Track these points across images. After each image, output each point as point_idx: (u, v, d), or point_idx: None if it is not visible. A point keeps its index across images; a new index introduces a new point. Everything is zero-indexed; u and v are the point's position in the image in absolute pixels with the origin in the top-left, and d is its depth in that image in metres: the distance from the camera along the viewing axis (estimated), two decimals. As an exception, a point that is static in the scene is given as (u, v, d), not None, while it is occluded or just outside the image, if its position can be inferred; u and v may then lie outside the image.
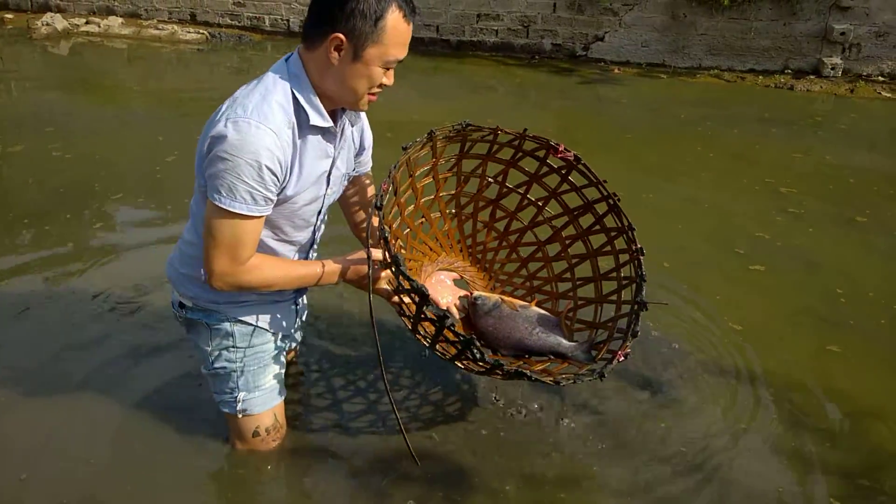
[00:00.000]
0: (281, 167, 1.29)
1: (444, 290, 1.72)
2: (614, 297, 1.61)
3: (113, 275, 2.66)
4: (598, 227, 1.66)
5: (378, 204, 1.36)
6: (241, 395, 1.59)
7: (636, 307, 1.45)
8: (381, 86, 1.36)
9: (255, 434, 1.66)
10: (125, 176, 3.74)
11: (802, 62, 6.33)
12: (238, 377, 1.58)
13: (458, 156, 1.71)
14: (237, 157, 1.22)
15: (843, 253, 3.13)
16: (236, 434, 1.69)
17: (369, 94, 1.36)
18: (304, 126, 1.35)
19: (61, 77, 5.99)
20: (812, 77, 6.22)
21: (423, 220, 1.81)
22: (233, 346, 1.54)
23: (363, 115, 1.60)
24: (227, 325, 1.51)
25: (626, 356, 1.37)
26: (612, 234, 1.61)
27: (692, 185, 3.91)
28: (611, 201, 1.58)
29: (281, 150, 1.28)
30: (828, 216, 3.50)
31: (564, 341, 1.52)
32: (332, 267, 1.43)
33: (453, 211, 1.86)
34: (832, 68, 6.17)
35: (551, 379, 1.33)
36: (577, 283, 1.70)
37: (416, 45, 7.01)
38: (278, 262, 1.40)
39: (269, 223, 1.42)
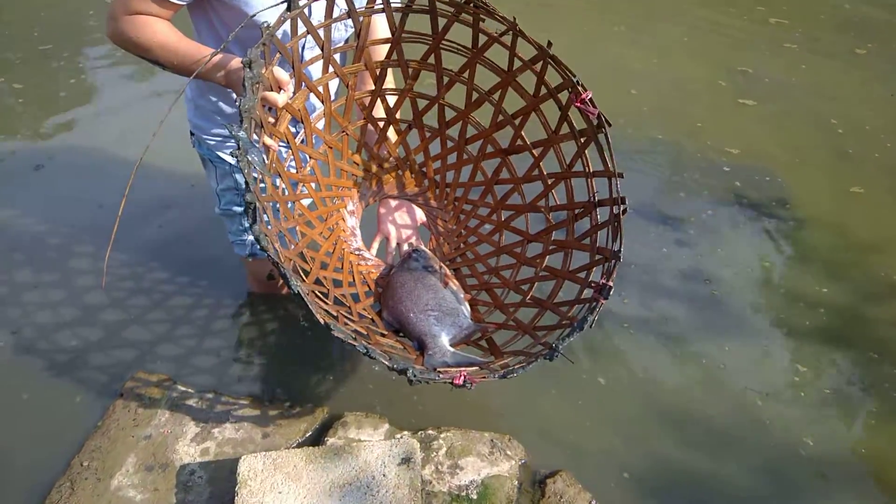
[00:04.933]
0: None
1: (405, 226, 1.42)
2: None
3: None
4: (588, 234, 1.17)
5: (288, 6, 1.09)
6: (251, 238, 1.48)
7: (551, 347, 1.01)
8: None
9: (270, 277, 1.64)
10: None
11: None
12: (246, 220, 1.42)
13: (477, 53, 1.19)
14: None
15: (839, 86, 2.80)
16: (251, 275, 1.72)
17: None
18: None
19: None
20: None
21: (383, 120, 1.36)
22: (236, 189, 1.43)
23: None
24: (227, 167, 1.40)
25: (467, 384, 0.97)
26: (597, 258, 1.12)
27: (677, 14, 3.42)
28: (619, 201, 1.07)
29: None
30: (823, 49, 3.11)
31: (441, 342, 1.16)
32: (226, 61, 1.13)
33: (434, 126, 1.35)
34: None
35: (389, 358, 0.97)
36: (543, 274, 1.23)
37: None
38: (169, 33, 1.16)
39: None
